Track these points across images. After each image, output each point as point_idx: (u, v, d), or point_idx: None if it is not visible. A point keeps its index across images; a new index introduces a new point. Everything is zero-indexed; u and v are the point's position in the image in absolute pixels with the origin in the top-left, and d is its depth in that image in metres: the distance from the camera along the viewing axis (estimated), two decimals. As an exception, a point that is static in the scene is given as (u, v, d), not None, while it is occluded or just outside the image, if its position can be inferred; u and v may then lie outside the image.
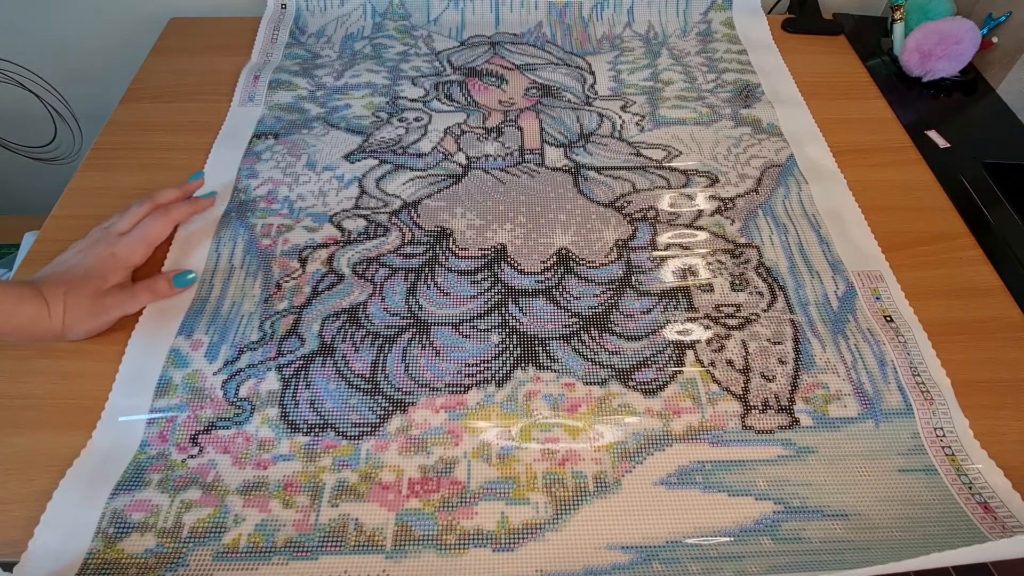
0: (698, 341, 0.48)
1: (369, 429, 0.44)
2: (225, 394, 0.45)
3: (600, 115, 0.66)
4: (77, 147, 0.98)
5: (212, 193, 0.57)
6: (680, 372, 0.47)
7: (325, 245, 0.54)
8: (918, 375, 0.47)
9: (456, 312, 0.50)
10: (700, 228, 0.56)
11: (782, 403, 0.45)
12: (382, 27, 0.76)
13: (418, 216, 0.56)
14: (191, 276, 0.51)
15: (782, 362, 0.47)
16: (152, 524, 0.40)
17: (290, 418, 0.44)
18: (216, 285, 0.51)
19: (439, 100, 0.68)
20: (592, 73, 0.71)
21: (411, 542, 0.39)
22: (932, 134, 0.65)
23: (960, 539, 0.39)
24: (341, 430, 0.44)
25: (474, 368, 0.47)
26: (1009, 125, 0.67)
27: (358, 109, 0.66)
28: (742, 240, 0.55)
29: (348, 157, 0.61)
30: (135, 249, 0.50)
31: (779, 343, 0.48)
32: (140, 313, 0.49)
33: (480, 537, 0.39)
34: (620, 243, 0.55)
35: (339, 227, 0.55)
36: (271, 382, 0.46)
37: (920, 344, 0.48)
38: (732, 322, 0.49)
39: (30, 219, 0.90)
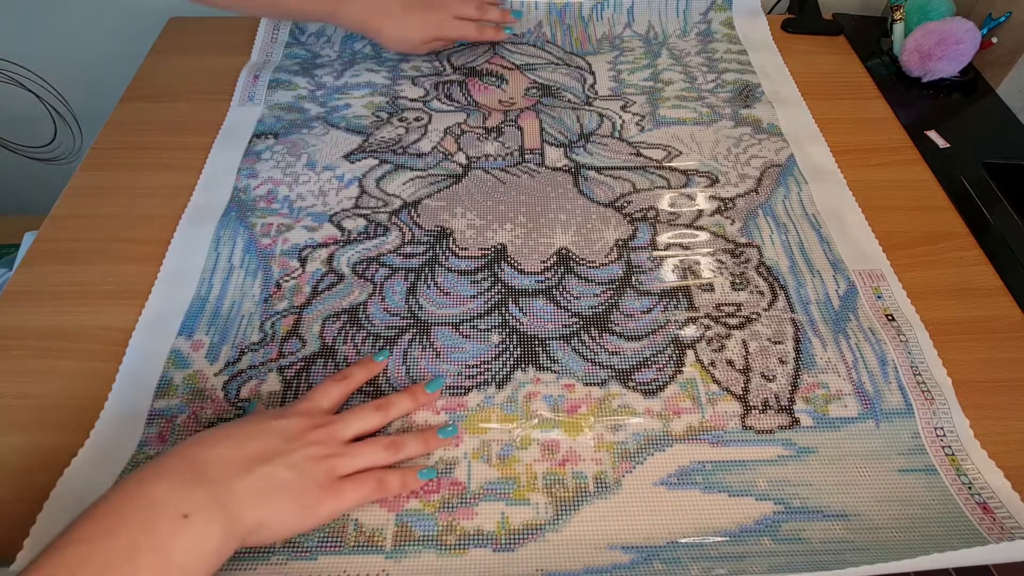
0: (698, 341, 0.48)
1: (369, 429, 0.44)
2: (226, 395, 0.45)
3: (600, 115, 0.66)
4: (77, 147, 0.98)
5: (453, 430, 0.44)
6: (680, 372, 0.47)
7: (325, 245, 0.54)
8: (919, 375, 0.46)
9: (456, 312, 0.50)
10: (700, 228, 0.56)
11: (782, 403, 0.45)
12: (382, 27, 0.76)
13: (418, 216, 0.56)
14: (451, 428, 0.43)
15: (782, 362, 0.47)
16: (152, 524, 0.39)
17: (290, 418, 0.44)
18: (216, 285, 0.51)
19: (439, 100, 0.68)
20: (592, 73, 0.71)
21: (411, 542, 0.39)
22: (932, 134, 0.65)
23: (959, 540, 0.39)
24: (341, 430, 0.44)
25: (474, 370, 0.47)
26: (1009, 125, 0.67)
27: (358, 109, 0.66)
28: (742, 240, 0.55)
29: (348, 157, 0.61)
30: (360, 486, 0.39)
31: (779, 342, 0.48)
32: (139, 313, 0.49)
33: (480, 537, 0.39)
34: (620, 243, 0.55)
35: (339, 227, 0.55)
36: (272, 383, 0.46)
37: (921, 343, 0.48)
38: (732, 321, 0.49)
39: (30, 219, 0.90)
